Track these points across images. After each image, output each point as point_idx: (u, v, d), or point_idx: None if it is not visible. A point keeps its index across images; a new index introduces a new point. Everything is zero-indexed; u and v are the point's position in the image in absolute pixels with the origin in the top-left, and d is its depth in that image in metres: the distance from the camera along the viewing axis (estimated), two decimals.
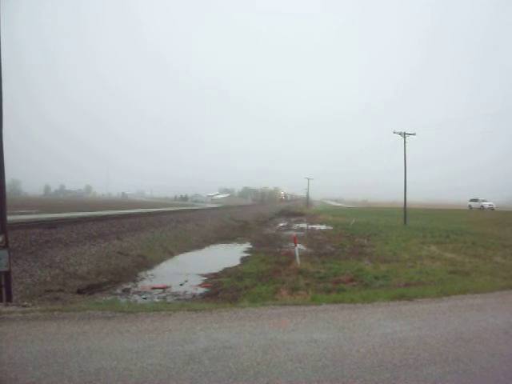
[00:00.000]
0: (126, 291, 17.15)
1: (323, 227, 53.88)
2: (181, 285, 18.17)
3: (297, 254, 21.05)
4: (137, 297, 15.99)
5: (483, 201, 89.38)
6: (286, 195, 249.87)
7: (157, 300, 15.18)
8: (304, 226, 57.61)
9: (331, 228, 51.74)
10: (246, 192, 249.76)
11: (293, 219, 74.66)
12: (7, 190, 11.05)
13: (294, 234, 31.02)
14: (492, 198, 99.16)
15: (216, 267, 22.14)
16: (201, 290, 17.14)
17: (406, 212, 55.52)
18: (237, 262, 24.45)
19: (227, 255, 28.73)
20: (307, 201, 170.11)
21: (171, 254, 28.08)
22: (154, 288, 17.58)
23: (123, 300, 14.85)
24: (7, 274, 10.56)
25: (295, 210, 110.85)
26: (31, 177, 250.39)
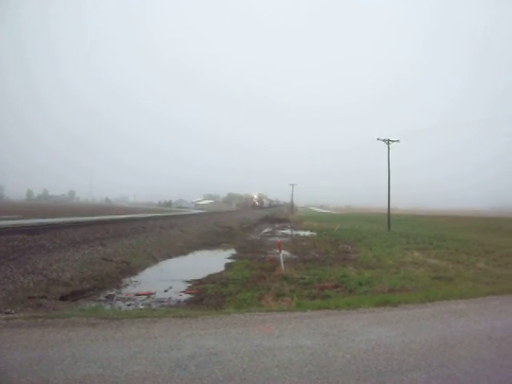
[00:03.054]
0: (110, 298, 16.99)
1: (308, 233, 53.96)
2: (165, 291, 18.05)
3: (281, 260, 21.07)
4: (121, 303, 15.84)
5: None
6: (260, 200, 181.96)
7: (141, 307, 15.07)
8: (288, 232, 57.67)
9: (316, 234, 51.84)
10: (230, 198, 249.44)
11: (277, 225, 74.54)
12: None
13: (278, 240, 31.08)
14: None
15: (200, 273, 22.04)
16: (185, 297, 17.05)
17: (389, 218, 55.95)
18: (221, 268, 24.38)
19: (212, 261, 28.62)
20: (292, 207, 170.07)
21: (155, 260, 27.91)
22: (138, 294, 17.44)
23: (107, 307, 14.71)
24: None
25: (279, 216, 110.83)
26: (14, 181, 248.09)
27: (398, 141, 55.54)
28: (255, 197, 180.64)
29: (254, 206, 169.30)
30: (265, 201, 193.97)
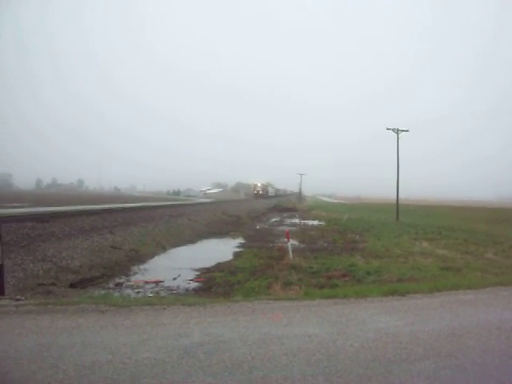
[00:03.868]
0: (119, 285, 17.12)
1: (316, 223, 53.84)
2: (174, 279, 18.14)
3: (289, 249, 21.08)
4: (130, 291, 15.95)
5: None
6: (264, 188, 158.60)
7: (150, 294, 15.16)
8: (297, 221, 57.58)
9: (324, 224, 51.74)
10: (238, 187, 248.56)
11: (285, 214, 74.45)
12: None
13: (286, 229, 31.04)
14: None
15: (209, 262, 22.12)
16: (194, 285, 17.13)
17: (398, 208, 55.73)
18: (230, 257, 24.45)
19: (220, 250, 28.69)
20: (300, 196, 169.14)
21: (164, 249, 28.03)
22: (146, 282, 17.54)
23: (116, 294, 14.82)
24: (0, 268, 10.51)
25: (288, 205, 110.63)
26: (23, 170, 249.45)
27: (407, 130, 55.12)
28: (258, 185, 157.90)
29: (257, 195, 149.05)
30: (270, 189, 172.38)
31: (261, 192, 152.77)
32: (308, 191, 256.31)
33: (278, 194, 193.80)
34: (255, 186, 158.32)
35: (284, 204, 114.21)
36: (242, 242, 32.86)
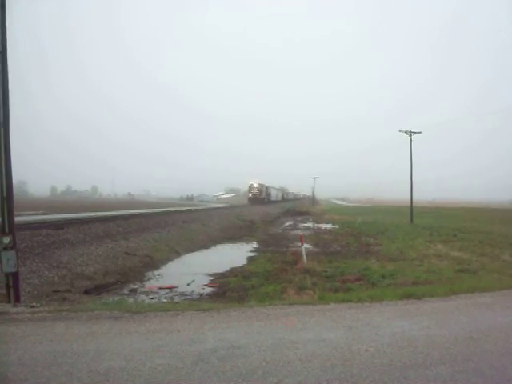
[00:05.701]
0: (133, 291, 17.15)
1: (329, 226, 53.63)
2: (188, 285, 18.15)
3: (303, 253, 21.01)
4: (144, 297, 15.98)
5: None
6: (263, 190, 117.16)
7: (164, 300, 15.17)
8: (310, 225, 57.32)
9: (337, 227, 51.50)
10: None
11: (299, 218, 74.16)
12: (14, 190, 11.06)
13: (300, 233, 30.92)
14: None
15: (223, 267, 22.11)
16: (208, 290, 17.13)
17: (412, 210, 55.34)
18: (243, 262, 24.42)
19: (234, 255, 28.68)
20: (313, 200, 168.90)
21: (178, 254, 28.08)
22: (161, 288, 17.57)
23: (131, 300, 14.82)
24: (15, 275, 10.58)
25: (301, 209, 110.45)
26: (37, 178, 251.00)
27: (420, 132, 54.83)
28: (255, 185, 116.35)
29: (253, 200, 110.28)
30: (273, 192, 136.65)
31: (258, 195, 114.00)
32: (321, 195, 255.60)
33: (287, 198, 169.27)
34: (251, 186, 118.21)
35: (297, 208, 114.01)
36: (256, 246, 32.82)
